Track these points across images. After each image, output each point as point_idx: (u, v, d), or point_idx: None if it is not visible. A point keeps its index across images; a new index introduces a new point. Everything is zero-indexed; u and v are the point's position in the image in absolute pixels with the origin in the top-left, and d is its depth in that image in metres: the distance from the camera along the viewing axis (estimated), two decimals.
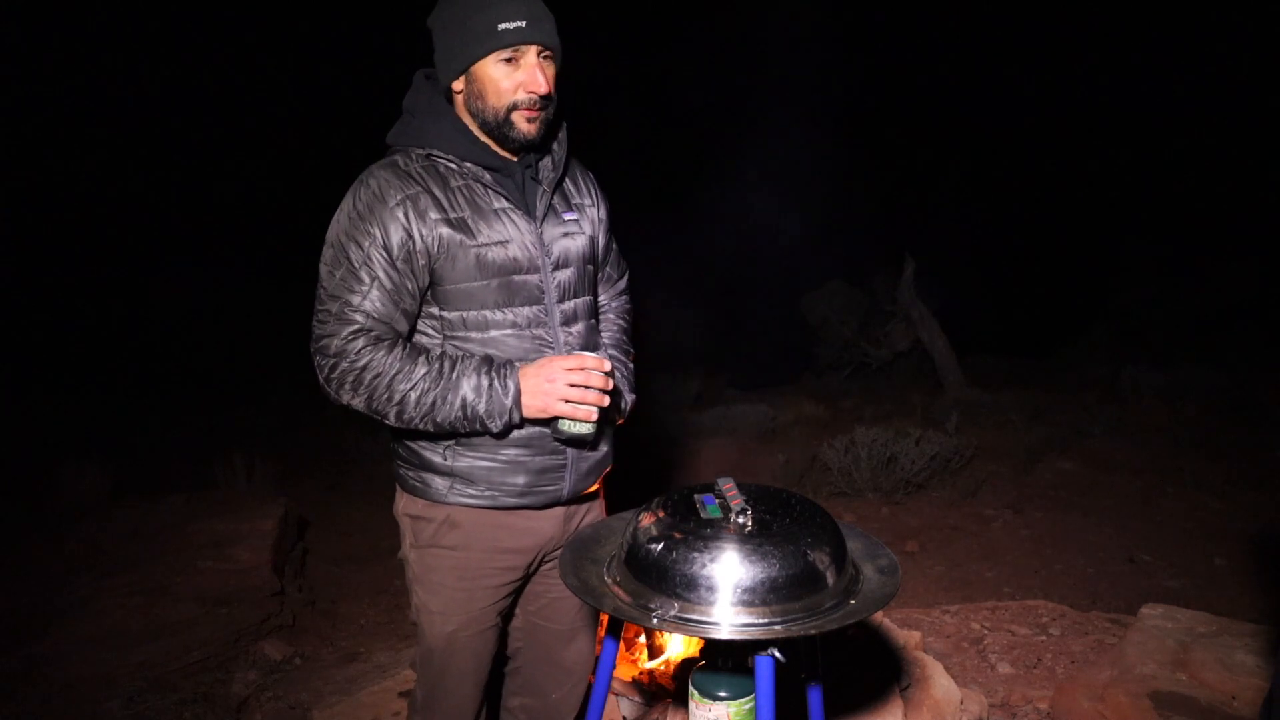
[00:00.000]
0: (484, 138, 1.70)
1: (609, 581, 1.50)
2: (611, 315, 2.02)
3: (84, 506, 4.74)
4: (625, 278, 2.07)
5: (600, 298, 2.00)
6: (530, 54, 1.63)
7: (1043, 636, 3.21)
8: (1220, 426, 5.97)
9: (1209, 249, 9.03)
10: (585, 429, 1.64)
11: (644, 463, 5.95)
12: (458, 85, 1.68)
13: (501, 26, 1.59)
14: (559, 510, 1.83)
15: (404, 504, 1.83)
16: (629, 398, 1.91)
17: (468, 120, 1.70)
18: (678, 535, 1.41)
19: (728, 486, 1.52)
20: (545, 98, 1.66)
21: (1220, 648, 2.55)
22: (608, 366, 1.64)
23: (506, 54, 1.61)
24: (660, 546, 1.41)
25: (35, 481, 5.23)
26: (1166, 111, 11.37)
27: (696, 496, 1.54)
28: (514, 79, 1.63)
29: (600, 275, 1.97)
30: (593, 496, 1.94)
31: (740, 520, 1.43)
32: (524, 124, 1.66)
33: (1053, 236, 11.58)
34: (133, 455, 6.13)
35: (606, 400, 1.64)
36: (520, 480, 1.73)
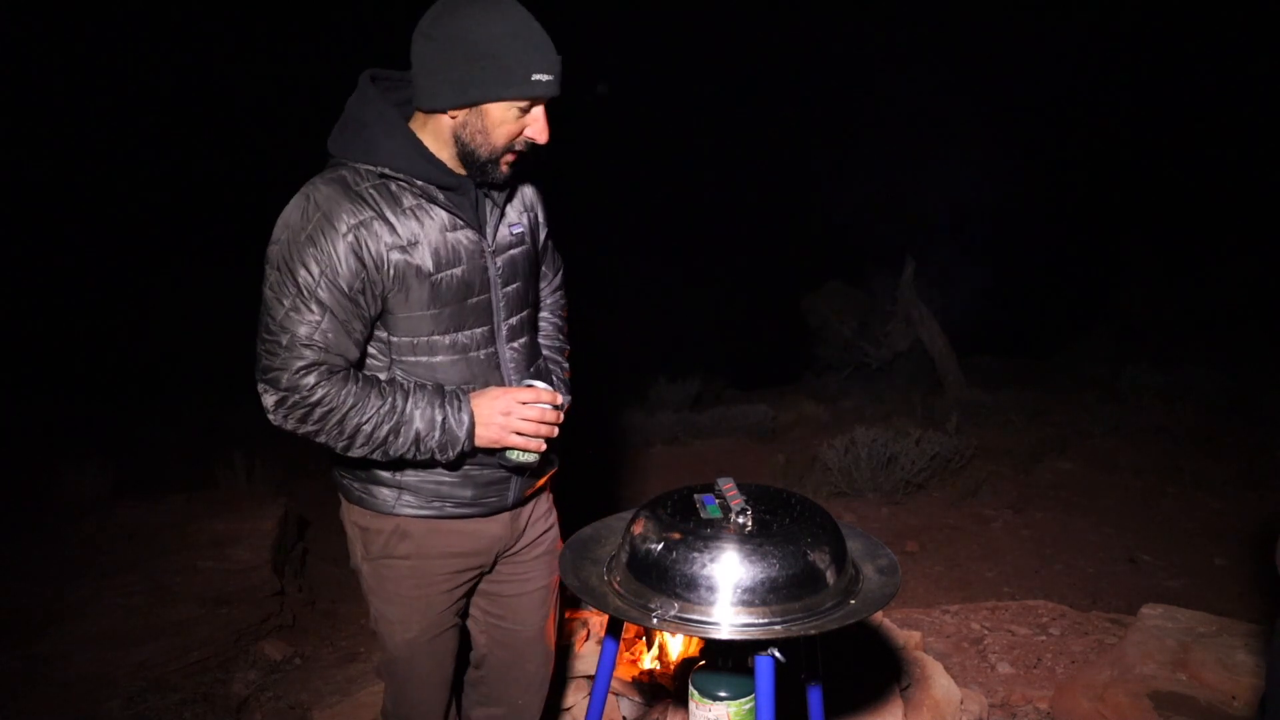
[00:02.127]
0: (443, 156, 1.64)
1: (609, 581, 1.50)
2: (546, 313, 2.01)
3: (84, 506, 4.74)
4: (560, 273, 2.05)
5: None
6: (542, 105, 1.62)
7: (1043, 636, 3.21)
8: (1220, 426, 5.97)
9: (1209, 249, 9.03)
10: (531, 458, 1.69)
11: (643, 462, 5.96)
12: (457, 114, 1.59)
13: (535, 77, 1.55)
14: (505, 514, 1.83)
15: (350, 513, 1.80)
16: (563, 399, 1.89)
17: (434, 138, 1.63)
18: (678, 535, 1.41)
19: (728, 486, 1.52)
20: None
21: (1220, 648, 2.55)
22: (559, 400, 1.68)
23: (525, 103, 1.58)
24: (660, 546, 1.41)
25: (35, 481, 5.23)
26: (1166, 111, 11.37)
27: (696, 496, 1.54)
28: (520, 124, 1.60)
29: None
30: (536, 493, 1.93)
31: (740, 520, 1.43)
32: (506, 167, 1.64)
33: (1052, 236, 11.58)
34: (133, 455, 6.12)
35: (556, 431, 1.68)
36: (467, 493, 1.74)
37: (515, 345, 1.77)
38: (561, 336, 2.00)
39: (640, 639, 2.50)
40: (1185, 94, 11.27)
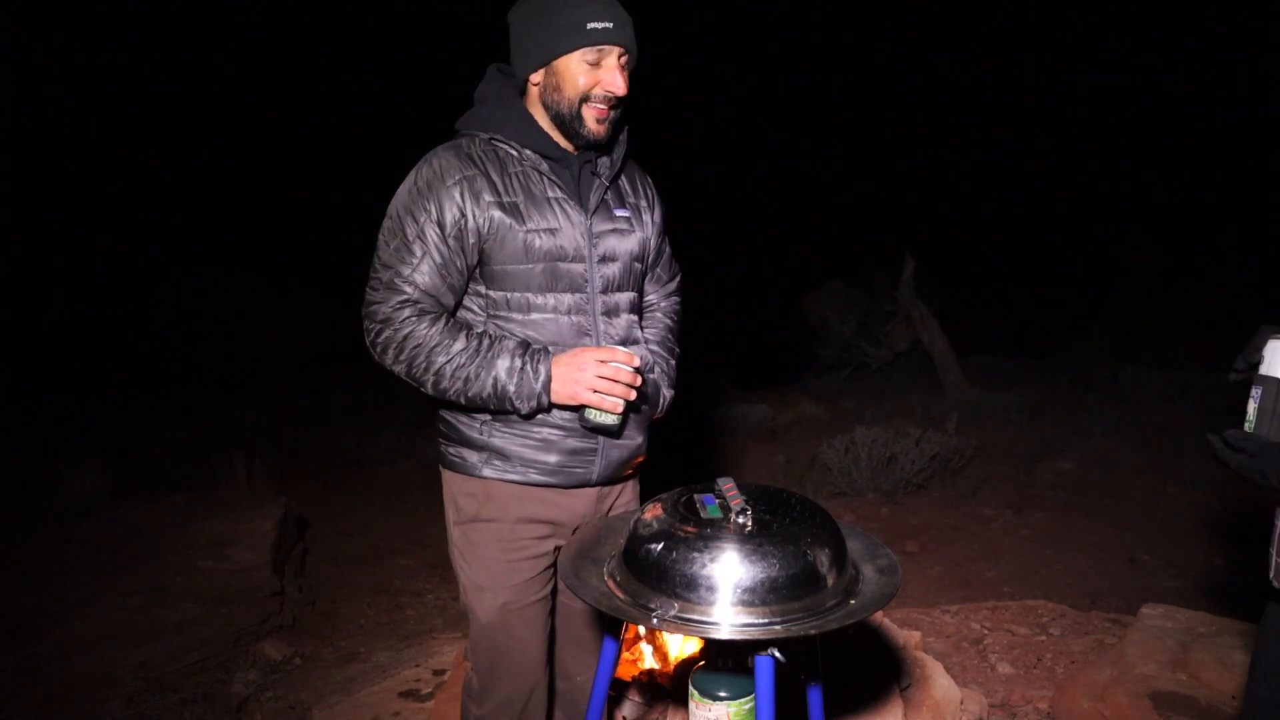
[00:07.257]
0: (549, 130, 1.77)
1: (609, 581, 1.50)
2: (659, 314, 2.06)
3: (84, 506, 4.74)
4: (677, 279, 2.11)
5: (650, 296, 2.05)
6: (613, 55, 1.70)
7: (1043, 636, 3.21)
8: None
9: (1209, 249, 9.03)
10: (611, 420, 1.70)
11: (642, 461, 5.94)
12: (536, 77, 1.74)
13: (590, 25, 1.66)
14: (591, 490, 1.87)
15: (446, 480, 1.89)
16: (667, 394, 1.95)
17: (537, 112, 1.77)
18: (678, 535, 1.41)
19: (728, 486, 1.52)
20: (620, 99, 1.73)
21: (1220, 648, 2.55)
22: (637, 362, 1.69)
23: (591, 53, 1.68)
24: (660, 546, 1.41)
25: (35, 481, 5.23)
26: (1166, 111, 11.37)
27: (696, 496, 1.54)
28: (593, 76, 1.70)
29: (651, 275, 2.02)
30: (626, 479, 1.97)
31: (740, 520, 1.43)
32: (594, 122, 1.72)
33: (1052, 236, 11.58)
34: (133, 455, 6.13)
35: (633, 394, 1.70)
36: (551, 459, 1.78)
37: (611, 323, 1.81)
38: (672, 337, 2.04)
39: (640, 639, 2.50)
40: (1186, 94, 11.27)
